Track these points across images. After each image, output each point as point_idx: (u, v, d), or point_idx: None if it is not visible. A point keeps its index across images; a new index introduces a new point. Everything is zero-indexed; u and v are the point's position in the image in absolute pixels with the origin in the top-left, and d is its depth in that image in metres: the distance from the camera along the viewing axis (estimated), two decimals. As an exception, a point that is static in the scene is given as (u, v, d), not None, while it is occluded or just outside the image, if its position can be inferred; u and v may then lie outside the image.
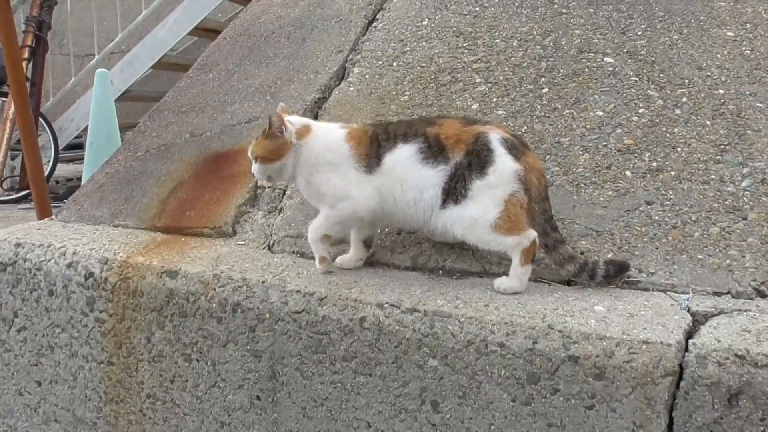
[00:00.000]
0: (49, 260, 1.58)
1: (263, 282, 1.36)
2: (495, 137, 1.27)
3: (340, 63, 2.05)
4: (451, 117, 1.40)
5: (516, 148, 1.28)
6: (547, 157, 1.55)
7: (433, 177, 1.28)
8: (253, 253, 1.54)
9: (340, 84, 1.98)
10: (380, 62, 1.98)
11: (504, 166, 1.25)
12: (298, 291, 1.32)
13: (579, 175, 1.49)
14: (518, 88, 1.74)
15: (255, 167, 1.39)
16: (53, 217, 1.90)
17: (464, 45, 1.92)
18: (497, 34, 1.93)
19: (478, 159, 1.26)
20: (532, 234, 1.25)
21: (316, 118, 1.91)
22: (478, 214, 1.25)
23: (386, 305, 1.24)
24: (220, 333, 1.38)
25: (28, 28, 3.94)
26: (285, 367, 1.33)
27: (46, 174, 4.49)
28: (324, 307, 1.28)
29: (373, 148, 1.33)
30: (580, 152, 1.54)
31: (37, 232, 1.72)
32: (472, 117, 1.53)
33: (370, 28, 2.16)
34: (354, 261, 1.43)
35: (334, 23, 2.23)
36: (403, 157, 1.30)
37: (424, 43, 1.99)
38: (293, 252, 1.53)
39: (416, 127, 1.33)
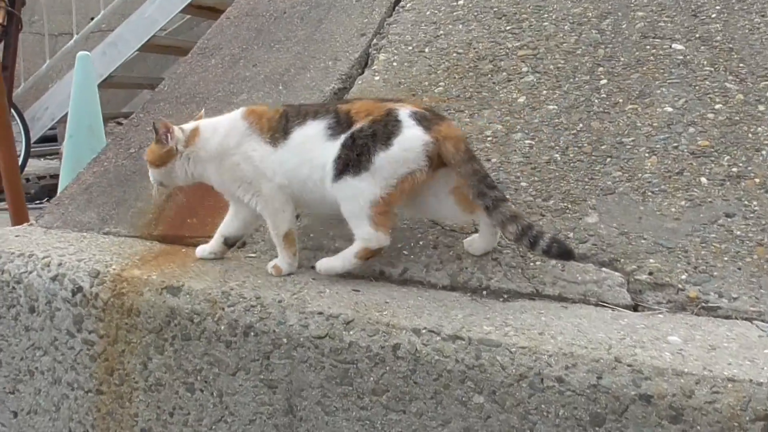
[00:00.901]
0: (31, 272, 1.58)
1: (279, 301, 1.35)
2: (405, 111, 1.36)
3: (363, 48, 2.05)
4: (367, 98, 1.49)
5: (426, 119, 1.36)
6: (608, 160, 1.54)
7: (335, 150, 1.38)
8: (265, 267, 1.53)
9: (363, 72, 1.98)
10: (410, 48, 1.98)
11: (412, 136, 1.33)
12: (320, 313, 1.31)
13: (645, 182, 1.48)
14: (572, 79, 1.73)
15: (149, 171, 1.55)
16: (33, 222, 1.91)
17: (507, 28, 1.92)
18: (545, 15, 1.92)
19: (384, 129, 1.34)
20: (385, 241, 1.37)
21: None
22: (367, 187, 1.34)
23: (424, 331, 1.23)
24: (228, 359, 1.38)
25: (0, 2, 3.97)
26: (304, 400, 1.32)
27: (16, 170, 4.51)
28: (351, 332, 1.27)
29: (281, 122, 1.44)
30: (647, 155, 1.53)
31: (15, 240, 1.72)
32: (389, 97, 1.56)
33: (396, 8, 2.16)
34: (207, 252, 1.59)
35: (355, 2, 2.23)
36: (311, 132, 1.41)
37: (460, 26, 1.99)
38: (312, 267, 1.52)
39: (328, 106, 1.45)
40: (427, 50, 1.95)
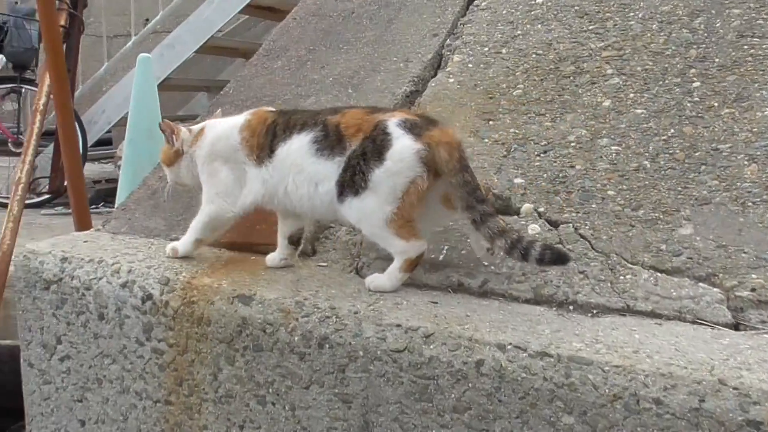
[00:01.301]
0: (101, 278, 1.63)
1: (355, 312, 1.36)
2: (393, 122, 1.39)
3: (436, 49, 2.07)
4: (358, 107, 1.50)
5: (416, 126, 1.38)
6: (702, 167, 1.51)
7: (330, 169, 1.42)
8: (339, 277, 1.55)
9: (436, 74, 1.99)
10: (485, 49, 1.98)
11: (402, 147, 1.36)
12: (398, 325, 1.32)
13: (745, 191, 1.45)
14: (661, 82, 1.71)
15: (164, 170, 1.69)
16: (100, 227, 1.97)
17: (590, 28, 1.90)
18: (631, 14, 1.90)
19: (374, 145, 1.38)
20: (422, 247, 1.41)
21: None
22: (376, 207, 1.37)
23: (509, 347, 1.23)
24: (302, 372, 1.40)
25: (61, 5, 4.11)
26: (381, 416, 1.33)
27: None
28: (431, 346, 1.28)
29: (267, 138, 1.50)
30: (746, 162, 1.49)
31: (84, 245, 1.78)
32: (379, 107, 1.57)
33: (470, 7, 2.17)
34: (278, 260, 1.62)
35: (426, 1, 2.25)
36: (296, 147, 1.45)
37: (539, 26, 1.98)
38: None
39: (319, 116, 1.47)
40: (504, 51, 1.95)
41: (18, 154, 4.83)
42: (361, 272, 1.57)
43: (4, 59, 4.81)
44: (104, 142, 5.94)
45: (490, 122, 1.77)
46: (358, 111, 1.45)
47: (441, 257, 1.53)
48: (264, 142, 1.50)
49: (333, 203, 1.43)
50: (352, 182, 1.39)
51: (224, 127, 1.59)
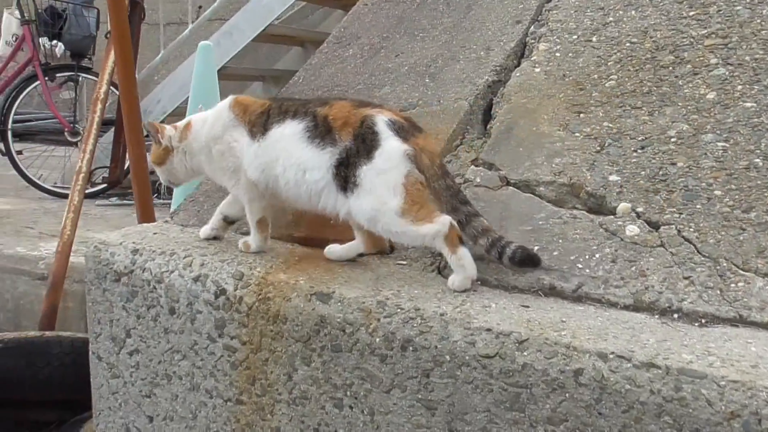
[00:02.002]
0: (172, 271, 1.64)
1: (442, 315, 1.34)
2: (381, 119, 1.46)
3: (519, 37, 2.02)
4: (346, 99, 1.57)
5: (404, 129, 1.46)
6: (820, 166, 1.44)
7: (318, 158, 1.49)
8: (420, 277, 1.53)
9: (520, 64, 1.95)
10: (574, 37, 1.93)
11: (390, 147, 1.43)
12: (488, 329, 1.29)
13: None
14: (771, 73, 1.63)
15: (157, 171, 1.75)
16: (168, 219, 1.98)
17: (690, 14, 1.84)
18: (736, -1, 1.83)
19: (363, 144, 1.45)
20: (446, 219, 1.42)
21: (489, 106, 1.89)
22: (377, 205, 1.44)
23: (611, 356, 1.18)
24: (383, 375, 1.38)
25: (124, -8, 4.18)
26: (467, 425, 1.30)
27: (126, 166, 4.75)
28: (524, 353, 1.24)
29: (262, 118, 1.58)
30: None
31: (155, 237, 1.79)
32: (367, 100, 1.61)
33: (556, -8, 2.11)
34: (208, 230, 1.77)
35: (508, -14, 2.20)
36: (288, 132, 1.53)
37: (633, 12, 1.92)
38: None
39: (309, 106, 1.55)
40: (594, 39, 1.89)
41: (74, 144, 4.94)
42: (443, 272, 1.54)
43: (63, 47, 4.92)
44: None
45: (581, 115, 1.72)
46: (346, 104, 1.52)
47: (531, 258, 1.48)
48: (257, 121, 1.58)
49: (320, 194, 1.51)
50: (345, 180, 1.47)
51: (212, 112, 1.67)
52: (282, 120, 1.55)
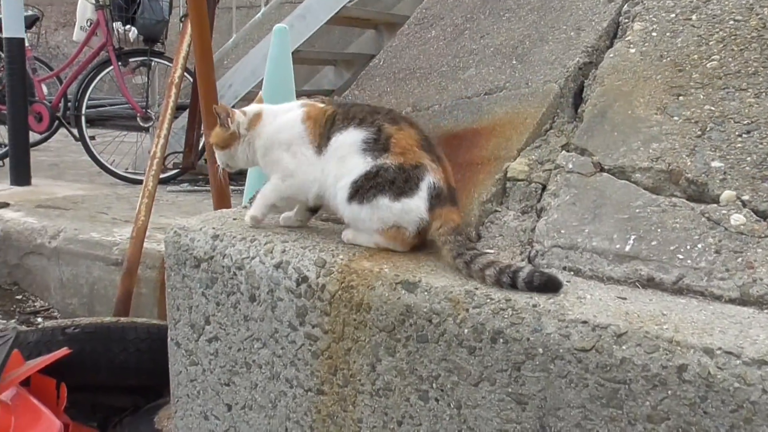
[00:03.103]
0: (253, 258, 1.67)
1: (534, 306, 1.33)
2: (429, 178, 1.52)
3: (612, 16, 1.98)
4: (415, 127, 1.60)
5: (439, 197, 1.51)
6: None
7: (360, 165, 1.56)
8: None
9: (613, 44, 1.92)
10: (672, 15, 1.89)
11: (415, 207, 1.52)
12: (584, 322, 1.27)
13: None
14: None
15: (216, 153, 1.80)
16: (247, 205, 2.02)
17: (801, -11, 1.77)
18: None
19: (403, 182, 1.52)
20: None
21: (580, 89, 1.86)
22: (367, 220, 1.57)
23: (718, 352, 1.16)
24: (471, 368, 1.38)
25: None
26: (560, 421, 1.29)
27: (201, 149, 4.86)
28: (623, 347, 1.23)
29: (326, 127, 1.63)
30: None
31: (234, 223, 1.83)
32: (433, 144, 1.61)
33: (652, -32, 2.06)
34: (293, 220, 1.79)
35: (600, -37, 2.16)
36: (348, 141, 1.58)
37: (737, -12, 1.86)
38: (564, 268, 1.49)
39: (377, 118, 1.59)
40: (694, 18, 1.84)
41: (145, 129, 5.08)
42: (533, 261, 1.53)
43: (136, 31, 5.05)
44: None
45: (680, 98, 1.68)
46: (414, 135, 1.57)
47: (627, 248, 1.46)
48: (323, 132, 1.63)
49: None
50: (365, 193, 1.55)
51: (283, 113, 1.71)
52: (345, 127, 1.60)
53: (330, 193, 1.62)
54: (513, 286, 1.38)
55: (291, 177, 1.67)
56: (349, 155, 1.57)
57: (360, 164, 1.55)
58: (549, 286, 1.37)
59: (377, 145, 1.55)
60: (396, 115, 1.65)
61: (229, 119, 1.73)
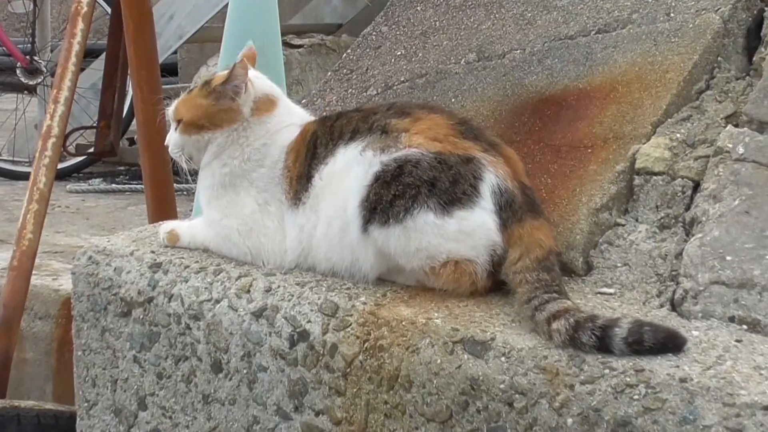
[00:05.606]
0: (219, 301, 1.71)
1: (683, 380, 1.34)
2: (491, 178, 1.57)
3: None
4: (436, 111, 1.68)
5: (512, 208, 1.57)
6: None
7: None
8: (639, 315, 1.53)
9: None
10: None
11: (481, 225, 1.56)
12: (765, 408, 1.29)
13: None
14: None
15: (173, 136, 1.81)
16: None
17: None
18: None
19: (450, 184, 1.56)
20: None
21: (759, 24, 1.88)
22: (399, 247, 1.60)
23: None
24: (579, 482, 1.40)
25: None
26: None
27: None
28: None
29: (305, 161, 1.72)
30: None
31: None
32: (472, 123, 1.68)
33: None
34: None
35: None
36: (339, 166, 1.65)
37: None
38: (732, 319, 1.50)
39: (374, 120, 1.65)
40: None
41: (32, 89, 5.11)
42: (680, 307, 1.55)
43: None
44: (164, 69, 6.16)
45: None
46: (440, 120, 1.63)
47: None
48: (302, 171, 1.72)
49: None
50: (388, 207, 1.58)
51: (282, 137, 1.78)
52: (332, 151, 1.68)
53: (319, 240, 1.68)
54: (601, 347, 1.41)
55: (246, 235, 1.73)
56: (344, 179, 1.62)
57: (360, 173, 1.59)
58: (668, 344, 1.39)
59: (386, 139, 1.60)
60: (403, 104, 1.68)
61: (243, 86, 1.73)
